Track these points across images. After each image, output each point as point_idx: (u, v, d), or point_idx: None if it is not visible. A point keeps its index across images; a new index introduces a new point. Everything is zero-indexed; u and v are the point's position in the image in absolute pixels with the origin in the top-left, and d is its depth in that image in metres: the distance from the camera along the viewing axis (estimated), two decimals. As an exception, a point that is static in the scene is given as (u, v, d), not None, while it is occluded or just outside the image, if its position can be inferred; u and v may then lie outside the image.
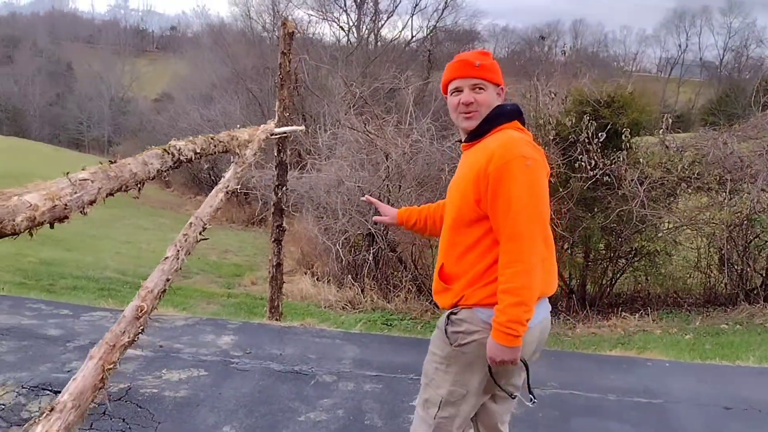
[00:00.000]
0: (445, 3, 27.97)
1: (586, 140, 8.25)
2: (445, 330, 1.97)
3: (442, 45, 28.72)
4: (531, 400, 2.00)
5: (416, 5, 27.84)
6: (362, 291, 8.70)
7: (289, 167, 4.88)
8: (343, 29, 25.42)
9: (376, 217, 2.54)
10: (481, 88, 1.98)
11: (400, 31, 27.89)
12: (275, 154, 4.61)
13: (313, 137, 12.23)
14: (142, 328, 2.15)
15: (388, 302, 8.54)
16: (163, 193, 25.99)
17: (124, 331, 2.08)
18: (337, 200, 9.32)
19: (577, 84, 9.96)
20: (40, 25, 63.87)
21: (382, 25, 27.46)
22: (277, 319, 4.85)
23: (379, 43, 26.29)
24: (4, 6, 72.85)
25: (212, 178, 22.51)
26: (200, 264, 11.92)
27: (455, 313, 1.97)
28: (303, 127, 5.02)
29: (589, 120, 8.17)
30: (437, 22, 28.31)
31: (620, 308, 8.87)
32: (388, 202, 9.32)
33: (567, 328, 8.16)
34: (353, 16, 26.71)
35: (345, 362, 3.83)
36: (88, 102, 46.20)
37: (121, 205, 19.37)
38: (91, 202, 1.80)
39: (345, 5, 26.29)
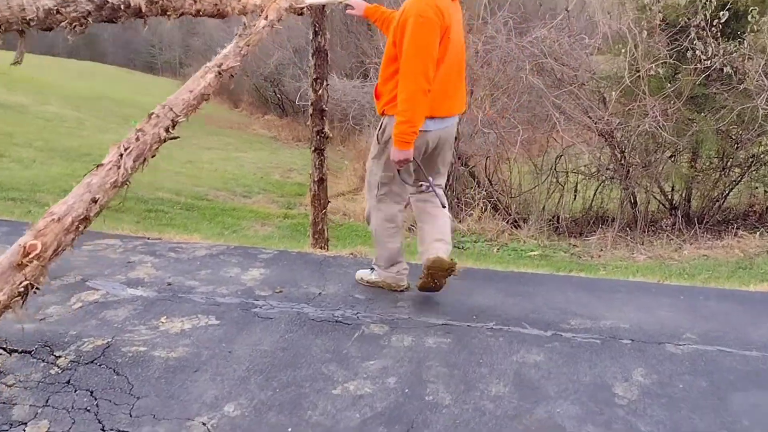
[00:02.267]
0: None
1: (702, 23, 6.76)
2: (377, 135, 2.84)
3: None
4: (422, 185, 2.84)
5: None
6: (430, 210, 7.74)
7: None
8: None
9: (348, 10, 3.23)
10: None
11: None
12: (311, 38, 3.59)
13: (375, 38, 11.07)
14: (26, 283, 1.28)
15: (460, 222, 7.59)
16: (230, 113, 25.46)
17: (-14, 292, 1.21)
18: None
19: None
20: (107, -53, 63.48)
21: None
22: (321, 247, 3.99)
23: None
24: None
25: (278, 96, 21.67)
26: (263, 183, 11.33)
27: (381, 122, 2.81)
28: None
29: (706, -1, 6.64)
30: None
31: (734, 225, 7.58)
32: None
33: (672, 250, 6.97)
34: None
35: (402, 305, 2.91)
36: (159, 25, 45.95)
37: (186, 126, 18.96)
38: None
39: None
